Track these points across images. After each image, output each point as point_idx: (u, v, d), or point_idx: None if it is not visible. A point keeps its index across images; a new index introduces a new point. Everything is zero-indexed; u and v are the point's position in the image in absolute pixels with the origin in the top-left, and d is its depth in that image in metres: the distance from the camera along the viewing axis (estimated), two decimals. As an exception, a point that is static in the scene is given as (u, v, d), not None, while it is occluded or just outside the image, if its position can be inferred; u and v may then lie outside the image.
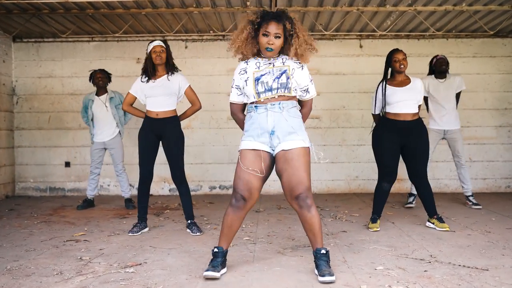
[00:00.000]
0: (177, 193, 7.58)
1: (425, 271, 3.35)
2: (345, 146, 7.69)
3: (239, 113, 3.54)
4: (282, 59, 3.35)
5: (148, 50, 4.73)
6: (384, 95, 4.81)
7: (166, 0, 5.95)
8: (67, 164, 7.72)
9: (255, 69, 3.32)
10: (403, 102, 4.72)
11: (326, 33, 6.90)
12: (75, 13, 6.34)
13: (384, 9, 6.23)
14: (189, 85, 4.85)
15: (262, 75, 3.28)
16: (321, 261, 3.22)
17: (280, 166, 3.24)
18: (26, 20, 6.63)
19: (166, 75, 4.74)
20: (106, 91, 6.36)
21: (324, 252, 3.25)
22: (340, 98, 7.62)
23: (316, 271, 3.26)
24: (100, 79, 6.27)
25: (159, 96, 4.69)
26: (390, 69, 4.96)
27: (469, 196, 6.08)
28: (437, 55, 6.01)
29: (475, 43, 7.59)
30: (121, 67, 7.62)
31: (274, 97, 3.25)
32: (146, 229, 4.83)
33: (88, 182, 6.43)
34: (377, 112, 4.97)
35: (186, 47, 7.64)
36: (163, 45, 4.72)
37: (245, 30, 3.30)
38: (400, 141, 4.75)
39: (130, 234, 4.65)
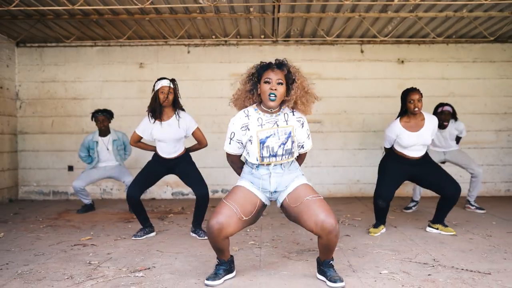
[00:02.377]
0: (179, 197, 7.68)
1: (429, 275, 3.42)
2: (347, 150, 7.76)
3: (237, 162, 3.51)
4: (285, 115, 3.30)
5: (156, 89, 4.64)
6: (397, 136, 4.76)
7: (170, 6, 6.01)
8: (70, 168, 7.77)
9: (258, 127, 3.24)
10: (414, 147, 4.73)
11: (328, 38, 6.97)
12: (79, 19, 6.40)
13: (385, 15, 6.30)
14: (197, 127, 4.84)
15: (267, 138, 3.22)
16: (329, 268, 3.29)
17: (293, 209, 3.21)
18: (30, 26, 6.69)
19: (174, 116, 4.69)
20: (109, 131, 6.34)
21: (332, 262, 3.31)
22: (341, 102, 7.69)
23: (320, 277, 3.32)
24: (102, 124, 6.24)
25: (169, 142, 4.70)
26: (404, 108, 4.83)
27: (471, 201, 6.16)
28: (443, 105, 5.92)
29: (475, 48, 7.67)
30: (124, 71, 7.68)
31: (279, 163, 3.26)
32: (153, 234, 4.88)
33: (79, 197, 6.37)
34: (388, 147, 4.95)
35: (188, 52, 7.70)
36: (171, 85, 4.64)
37: (246, 84, 3.29)
38: (409, 172, 4.80)
39: (133, 238, 4.71)
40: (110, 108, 7.51)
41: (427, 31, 6.97)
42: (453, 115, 6.01)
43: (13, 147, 7.66)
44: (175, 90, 4.68)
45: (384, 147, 5.02)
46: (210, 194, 7.65)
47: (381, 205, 4.82)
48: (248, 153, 3.31)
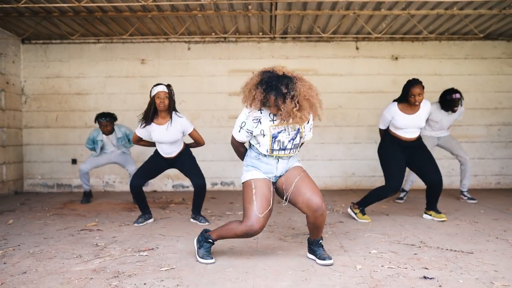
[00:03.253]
0: (180, 189, 7.91)
1: (415, 254, 3.66)
2: (342, 144, 7.99)
3: (241, 147, 3.67)
4: None
5: (152, 94, 4.85)
6: (392, 117, 5.02)
7: (172, 4, 6.24)
8: (74, 161, 7.99)
9: (270, 122, 3.38)
10: (409, 129, 4.99)
11: (323, 35, 7.20)
12: (84, 16, 6.63)
13: (379, 13, 6.54)
14: (193, 129, 5.05)
15: (279, 133, 3.39)
16: (318, 247, 3.53)
17: (285, 184, 3.49)
18: (36, 23, 6.91)
19: (170, 120, 4.88)
20: (113, 130, 6.50)
21: (321, 241, 3.56)
22: (337, 98, 7.92)
23: (311, 256, 3.56)
24: (106, 128, 6.39)
25: (167, 143, 4.94)
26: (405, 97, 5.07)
27: (464, 191, 6.40)
28: (454, 92, 6.09)
29: (467, 46, 7.91)
30: (126, 67, 7.91)
31: (287, 156, 3.50)
32: (151, 220, 5.13)
33: (82, 180, 6.60)
34: (383, 128, 5.22)
35: (189, 49, 7.93)
36: (167, 90, 4.85)
37: (255, 93, 3.33)
38: (406, 154, 5.04)
39: (136, 224, 4.95)
40: (112, 103, 7.77)
41: (420, 29, 7.20)
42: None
43: (19, 141, 7.88)
44: (170, 95, 4.86)
45: (379, 128, 5.26)
46: (210, 186, 7.93)
47: (388, 195, 5.01)
48: (259, 143, 3.47)
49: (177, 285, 2.96)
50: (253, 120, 3.42)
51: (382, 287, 2.88)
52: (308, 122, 3.49)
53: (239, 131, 3.51)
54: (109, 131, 6.42)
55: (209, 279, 3.08)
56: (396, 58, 7.87)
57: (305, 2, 6.22)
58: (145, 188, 7.97)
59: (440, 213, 5.09)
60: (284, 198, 3.53)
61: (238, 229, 3.40)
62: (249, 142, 3.60)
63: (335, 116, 7.96)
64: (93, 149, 6.57)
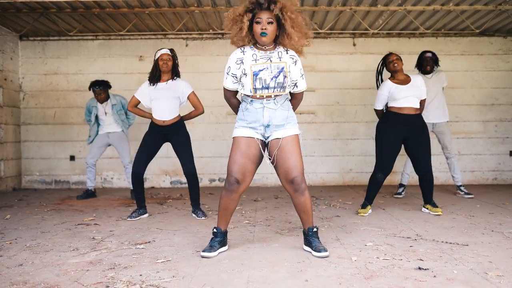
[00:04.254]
0: (178, 185, 7.91)
1: (410, 246, 3.68)
2: (339, 140, 8.01)
3: (233, 98, 3.67)
4: (278, 53, 3.46)
5: (156, 57, 5.03)
6: (390, 92, 5.12)
7: (169, -1, 6.27)
8: (72, 158, 8.01)
9: (252, 62, 3.42)
10: (408, 98, 5.07)
11: (321, 31, 7.22)
12: (81, 12, 6.64)
13: (375, 9, 6.55)
14: (193, 91, 5.15)
15: (260, 71, 3.39)
16: (313, 238, 3.54)
17: (274, 151, 3.49)
18: (34, 19, 6.92)
19: (171, 79, 5.06)
20: (108, 98, 6.55)
21: (316, 230, 3.57)
22: (334, 94, 7.94)
23: (307, 248, 3.57)
24: (100, 96, 6.46)
25: (164, 100, 4.99)
26: (382, 73, 5.40)
27: (460, 186, 6.42)
28: (426, 52, 6.26)
29: (463, 42, 7.93)
30: (124, 64, 7.92)
31: (270, 95, 3.45)
32: (146, 215, 5.14)
33: (87, 175, 6.65)
34: (380, 108, 5.29)
35: (187, 45, 7.95)
36: (170, 53, 5.04)
37: (243, 21, 3.38)
38: (402, 135, 5.07)
39: (129, 219, 4.96)
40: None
41: (416, 25, 7.22)
42: (435, 62, 6.25)
43: (17, 137, 7.89)
44: (174, 58, 5.04)
45: (375, 110, 5.30)
46: (207, 183, 7.95)
47: (379, 179, 5.07)
48: (243, 86, 3.49)
49: (173, 276, 2.97)
50: (236, 62, 3.47)
51: (377, 278, 2.90)
52: (295, 64, 3.49)
53: (226, 78, 3.55)
54: (103, 99, 6.48)
55: (205, 270, 3.09)
56: (393, 55, 7.87)
57: (302, -3, 6.25)
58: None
59: (436, 207, 5.11)
60: (271, 161, 3.55)
61: (222, 192, 3.53)
62: (241, 96, 3.59)
63: (332, 112, 7.97)
64: (89, 119, 6.57)
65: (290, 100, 3.66)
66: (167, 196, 6.77)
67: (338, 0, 6.38)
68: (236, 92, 3.64)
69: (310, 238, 3.54)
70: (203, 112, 5.27)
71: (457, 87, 7.89)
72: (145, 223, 4.79)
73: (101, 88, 6.43)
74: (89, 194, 6.66)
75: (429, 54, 6.22)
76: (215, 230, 3.59)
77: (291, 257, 3.39)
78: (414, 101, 5.09)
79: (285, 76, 3.43)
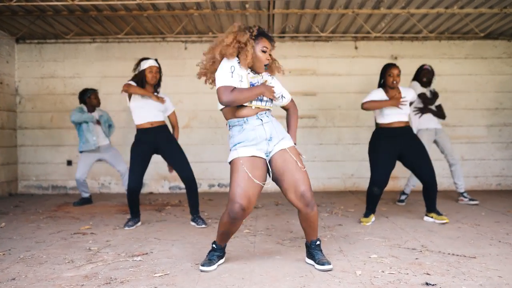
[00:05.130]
0: (177, 191, 7.79)
1: (416, 258, 3.56)
2: (341, 145, 7.90)
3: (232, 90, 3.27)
4: (263, 75, 3.47)
5: (143, 68, 4.88)
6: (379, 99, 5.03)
7: (168, 2, 6.14)
8: (69, 163, 7.89)
9: (248, 73, 3.35)
10: (396, 114, 4.98)
11: (322, 34, 7.10)
12: (78, 15, 6.53)
13: (378, 12, 6.44)
14: (174, 111, 5.21)
15: (254, 83, 3.34)
16: (317, 251, 3.42)
17: (281, 164, 3.32)
18: (30, 22, 6.81)
19: (154, 92, 4.96)
20: (94, 110, 6.53)
21: (319, 243, 3.45)
22: (335, 98, 7.83)
23: (309, 261, 3.45)
24: (94, 99, 6.47)
25: (150, 108, 4.88)
26: (382, 81, 5.18)
27: (463, 193, 6.30)
28: (424, 65, 6.16)
29: (467, 45, 7.82)
30: (122, 67, 7.79)
31: (264, 107, 3.35)
32: (139, 224, 5.02)
33: (79, 188, 6.53)
34: (366, 100, 5.13)
35: (185, 48, 7.83)
36: (158, 65, 4.97)
37: (245, 35, 3.28)
38: (396, 149, 4.96)
39: (126, 228, 4.83)
40: (108, 103, 7.63)
41: (419, 28, 7.11)
42: (432, 75, 6.18)
43: (13, 142, 7.77)
44: (160, 70, 4.98)
45: (362, 103, 5.08)
46: (207, 188, 7.83)
47: (376, 192, 4.96)
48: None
49: (171, 292, 2.86)
50: (232, 66, 3.27)
51: (383, 295, 2.78)
52: (273, 78, 3.51)
53: (232, 76, 3.23)
54: (96, 104, 6.50)
55: (204, 285, 2.97)
56: (396, 58, 7.77)
57: (303, 0, 6.13)
58: (141, 190, 7.87)
59: (441, 215, 4.99)
60: (273, 176, 3.38)
61: (224, 216, 3.31)
62: (227, 122, 3.41)
63: (334, 116, 7.86)
64: (80, 121, 6.38)
65: (289, 113, 3.63)
66: (166, 203, 6.64)
67: (340, 3, 6.27)
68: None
69: (313, 251, 3.42)
70: (177, 132, 5.29)
71: (461, 91, 7.77)
72: (142, 232, 4.67)
73: (95, 92, 6.49)
74: (85, 201, 6.55)
75: (427, 67, 6.15)
76: (214, 246, 3.46)
77: (293, 271, 3.27)
78: (402, 115, 5.00)
79: (274, 91, 3.39)
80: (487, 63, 7.82)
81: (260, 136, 3.32)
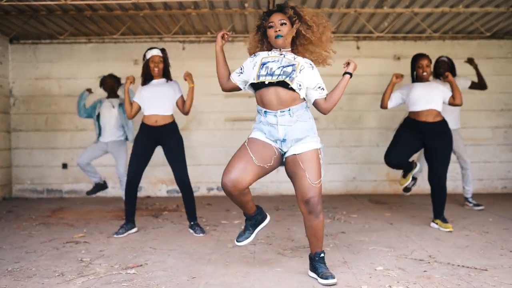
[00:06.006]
0: (175, 194, 7.61)
1: (424, 271, 3.38)
2: (343, 147, 7.71)
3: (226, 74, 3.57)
4: (294, 56, 3.26)
5: (146, 57, 4.75)
6: (407, 91, 4.96)
7: (164, 2, 5.96)
8: (65, 166, 7.70)
9: (265, 55, 3.29)
10: (424, 101, 4.81)
11: (323, 34, 6.91)
12: (72, 14, 6.34)
13: (381, 11, 6.26)
14: (182, 95, 4.91)
15: (269, 61, 3.22)
16: (320, 264, 3.24)
17: (291, 169, 3.20)
18: (23, 22, 6.62)
19: (161, 79, 4.83)
20: (117, 96, 6.24)
21: (323, 255, 3.28)
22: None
23: (312, 274, 3.28)
24: (109, 83, 6.19)
25: (156, 95, 4.72)
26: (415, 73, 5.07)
27: (469, 197, 6.12)
28: (441, 56, 6.02)
29: (472, 45, 7.63)
30: (119, 68, 7.57)
31: (273, 82, 3.13)
32: (134, 230, 4.83)
33: (87, 174, 6.22)
34: (390, 106, 5.07)
35: (183, 49, 7.65)
36: (161, 54, 4.75)
37: (255, 36, 3.38)
38: (422, 141, 4.86)
39: (115, 235, 4.64)
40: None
41: (423, 27, 6.93)
42: (452, 70, 5.99)
43: (7, 144, 7.59)
44: (165, 60, 4.77)
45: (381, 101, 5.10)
46: (205, 192, 7.65)
47: (389, 166, 4.98)
48: (246, 83, 3.37)
49: (165, 311, 2.68)
50: (249, 61, 3.36)
51: (391, 314, 2.61)
52: (313, 68, 3.26)
53: (237, 72, 3.46)
54: (112, 87, 6.20)
55: (201, 303, 2.80)
56: (399, 58, 7.58)
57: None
58: (138, 193, 7.68)
59: (446, 222, 4.80)
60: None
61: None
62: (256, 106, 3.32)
63: (335, 118, 7.68)
64: (86, 113, 6.21)
65: (322, 108, 3.40)
66: (163, 208, 6.46)
67: (342, 2, 6.09)
68: (229, 76, 3.53)
69: (317, 263, 3.24)
70: (187, 113, 4.99)
71: (465, 92, 7.45)
72: (138, 240, 4.49)
73: (110, 78, 6.21)
74: (99, 187, 6.30)
75: (443, 58, 5.99)
76: (245, 215, 3.44)
77: (295, 285, 3.10)
78: (431, 103, 4.80)
79: (294, 70, 3.15)
80: (492, 63, 7.62)
81: (273, 135, 3.22)
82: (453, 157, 6.28)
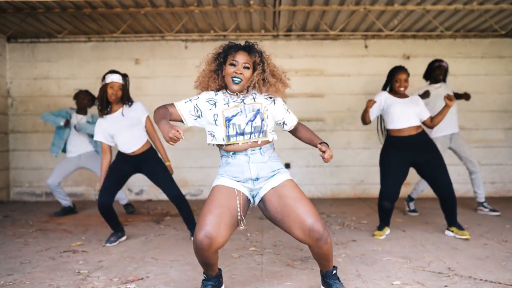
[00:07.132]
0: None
1: (445, 286, 3.15)
2: (350, 149, 7.48)
3: (164, 115, 2.85)
4: (252, 95, 2.95)
5: (106, 81, 4.43)
6: (385, 103, 4.71)
7: (166, -1, 5.75)
8: (64, 168, 7.48)
9: (224, 105, 2.90)
10: (404, 118, 4.59)
11: (331, 32, 6.69)
12: (71, 12, 6.12)
13: (392, 8, 6.03)
14: (147, 116, 4.59)
15: (233, 116, 2.86)
16: (334, 280, 2.97)
17: (275, 204, 2.84)
18: (21, 20, 6.40)
19: (122, 108, 4.50)
20: (85, 113, 6.12)
21: (335, 272, 2.98)
22: (344, 100, 7.41)
23: None
24: (82, 99, 6.06)
25: (125, 131, 4.44)
26: (389, 85, 4.87)
27: (483, 202, 5.88)
28: (440, 61, 5.81)
29: (483, 44, 7.39)
30: (119, 68, 7.29)
31: (247, 142, 2.86)
32: (124, 238, 4.64)
33: (56, 196, 6.10)
34: (372, 118, 4.85)
35: (186, 47, 7.43)
36: (122, 82, 4.45)
37: (212, 64, 2.96)
38: (409, 160, 4.59)
39: (107, 244, 4.43)
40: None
41: (434, 25, 6.70)
42: (444, 74, 5.85)
43: (5, 146, 7.37)
44: (125, 87, 4.49)
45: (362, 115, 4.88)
46: (207, 195, 7.40)
47: (386, 206, 4.61)
48: (214, 136, 2.90)
49: (168, 334, 2.46)
50: (207, 100, 2.93)
51: (415, 338, 2.38)
52: (274, 103, 2.95)
53: (185, 102, 2.96)
54: (85, 104, 6.08)
55: (206, 324, 2.57)
56: (408, 57, 7.35)
57: (312, -4, 5.72)
58: (139, 197, 7.49)
59: (463, 229, 4.58)
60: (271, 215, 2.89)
61: (195, 252, 2.77)
62: (219, 150, 2.99)
63: (343, 119, 7.45)
64: (55, 120, 6.02)
65: (297, 129, 3.14)
66: (165, 212, 6.23)
67: (351, -1, 5.86)
68: (175, 117, 2.98)
69: (330, 280, 2.97)
70: (159, 141, 4.68)
71: (477, 92, 7.32)
72: (139, 249, 4.27)
73: (85, 94, 6.06)
74: (67, 210, 6.13)
75: (444, 64, 5.79)
76: (204, 275, 2.96)
77: (308, 303, 2.87)
78: (412, 119, 4.59)
79: (262, 119, 2.87)
80: (505, 63, 7.39)
81: (245, 176, 2.88)
82: (455, 159, 6.09)
